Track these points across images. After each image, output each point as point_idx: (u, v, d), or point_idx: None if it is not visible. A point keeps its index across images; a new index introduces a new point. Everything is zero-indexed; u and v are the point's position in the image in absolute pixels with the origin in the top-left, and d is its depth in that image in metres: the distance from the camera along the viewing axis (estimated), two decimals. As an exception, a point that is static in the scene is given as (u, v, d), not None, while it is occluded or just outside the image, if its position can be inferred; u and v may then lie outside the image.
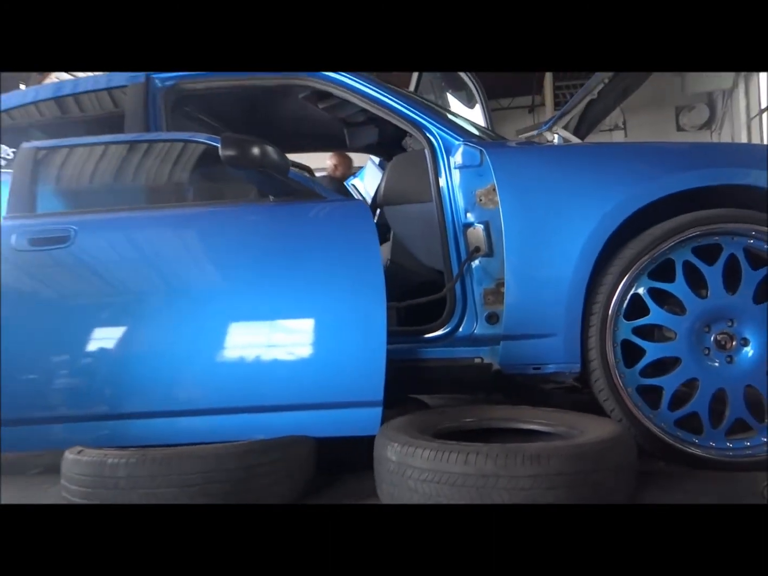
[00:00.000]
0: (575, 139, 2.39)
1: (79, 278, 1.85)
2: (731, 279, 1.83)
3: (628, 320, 1.86)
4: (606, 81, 2.25)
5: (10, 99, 2.54)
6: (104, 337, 1.83)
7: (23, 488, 1.97)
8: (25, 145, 2.06)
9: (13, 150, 2.31)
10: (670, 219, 1.86)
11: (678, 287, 1.84)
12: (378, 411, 1.71)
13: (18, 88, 4.44)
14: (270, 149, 1.79)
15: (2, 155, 2.34)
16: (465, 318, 2.02)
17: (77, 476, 1.58)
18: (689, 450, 1.80)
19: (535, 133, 2.51)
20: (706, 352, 1.84)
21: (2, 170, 2.28)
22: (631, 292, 1.86)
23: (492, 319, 1.99)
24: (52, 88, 2.59)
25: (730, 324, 1.83)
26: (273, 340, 1.81)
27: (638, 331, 1.87)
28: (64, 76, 4.83)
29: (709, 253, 1.85)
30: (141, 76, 2.32)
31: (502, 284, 1.94)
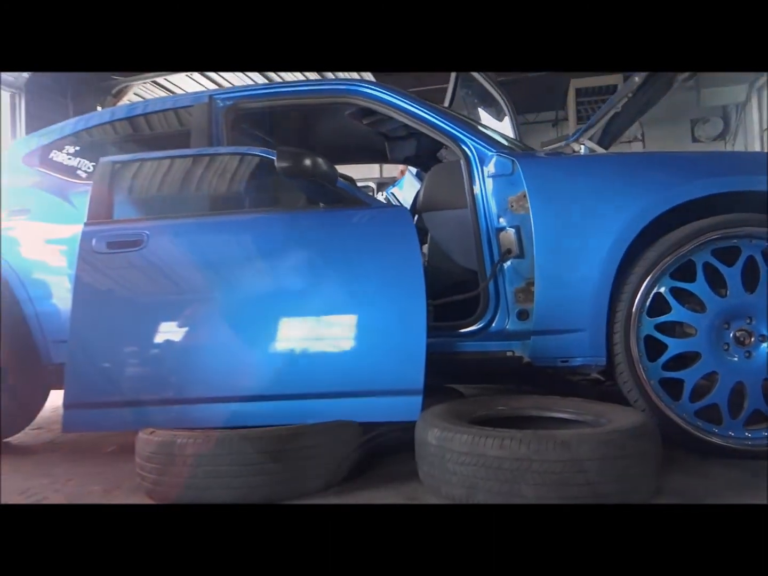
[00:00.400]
0: (601, 150, 2.35)
1: (151, 277, 1.89)
2: (750, 279, 1.78)
3: (650, 317, 1.83)
4: (630, 95, 2.20)
5: (89, 119, 2.60)
6: (172, 330, 1.86)
7: (100, 465, 2.02)
8: (103, 159, 2.11)
9: (93, 164, 2.37)
10: (690, 223, 1.82)
11: (698, 287, 1.80)
12: (419, 399, 1.71)
13: (95, 109, 4.56)
14: (320, 161, 1.80)
15: (83, 169, 2.41)
16: (497, 314, 2.00)
17: (149, 454, 1.61)
18: (709, 439, 1.75)
19: (563, 144, 2.47)
20: (726, 347, 1.78)
21: (83, 182, 2.34)
22: (654, 291, 1.82)
23: (522, 315, 1.97)
24: (125, 109, 2.65)
25: (748, 321, 1.78)
26: (324, 334, 1.82)
27: (660, 328, 1.83)
28: (136, 99, 4.95)
29: (728, 255, 1.80)
30: (204, 96, 2.36)
31: (532, 283, 1.92)
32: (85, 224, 1.97)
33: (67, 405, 1.81)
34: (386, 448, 1.87)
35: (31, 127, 4.38)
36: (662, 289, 1.83)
